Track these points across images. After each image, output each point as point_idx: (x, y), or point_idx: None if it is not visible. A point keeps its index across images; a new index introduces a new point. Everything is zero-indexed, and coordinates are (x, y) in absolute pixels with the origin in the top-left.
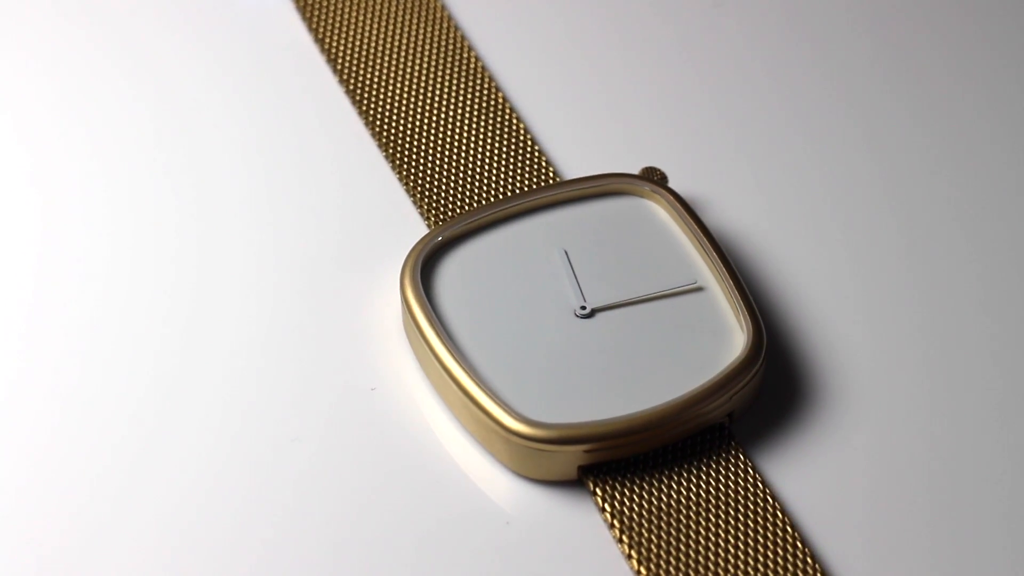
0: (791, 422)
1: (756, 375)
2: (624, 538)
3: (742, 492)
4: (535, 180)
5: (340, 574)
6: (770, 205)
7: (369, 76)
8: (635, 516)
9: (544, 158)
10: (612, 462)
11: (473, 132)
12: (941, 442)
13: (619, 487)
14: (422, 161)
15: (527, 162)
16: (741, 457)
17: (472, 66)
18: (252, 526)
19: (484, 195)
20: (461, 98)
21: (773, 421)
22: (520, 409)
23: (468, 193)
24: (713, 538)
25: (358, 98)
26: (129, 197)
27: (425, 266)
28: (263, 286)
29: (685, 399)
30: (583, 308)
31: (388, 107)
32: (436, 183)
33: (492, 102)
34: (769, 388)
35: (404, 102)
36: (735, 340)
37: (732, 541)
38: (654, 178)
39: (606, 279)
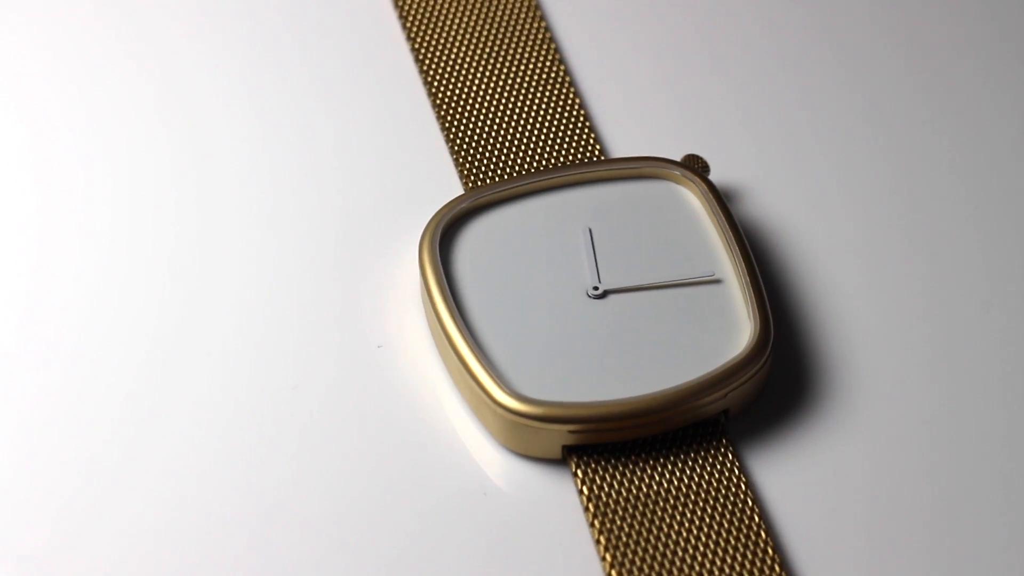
0: (790, 425)
1: (755, 375)
2: (596, 522)
3: (723, 491)
4: (579, 156)
5: (310, 523)
6: (812, 200)
7: (433, 32)
8: (611, 502)
9: (593, 135)
10: (597, 445)
11: (528, 101)
12: (940, 465)
13: (600, 471)
14: (471, 124)
15: (576, 138)
16: (730, 456)
17: (540, 36)
18: (255, 470)
19: (525, 165)
20: (522, 65)
21: (772, 421)
22: (514, 383)
23: (509, 161)
24: (684, 534)
25: (420, 56)
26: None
27: (449, 230)
28: (294, 233)
29: (676, 391)
30: (595, 288)
31: (447, 65)
32: (481, 148)
33: (553, 73)
34: (775, 387)
35: (464, 62)
36: (742, 336)
37: (703, 539)
38: (695, 166)
39: (625, 262)
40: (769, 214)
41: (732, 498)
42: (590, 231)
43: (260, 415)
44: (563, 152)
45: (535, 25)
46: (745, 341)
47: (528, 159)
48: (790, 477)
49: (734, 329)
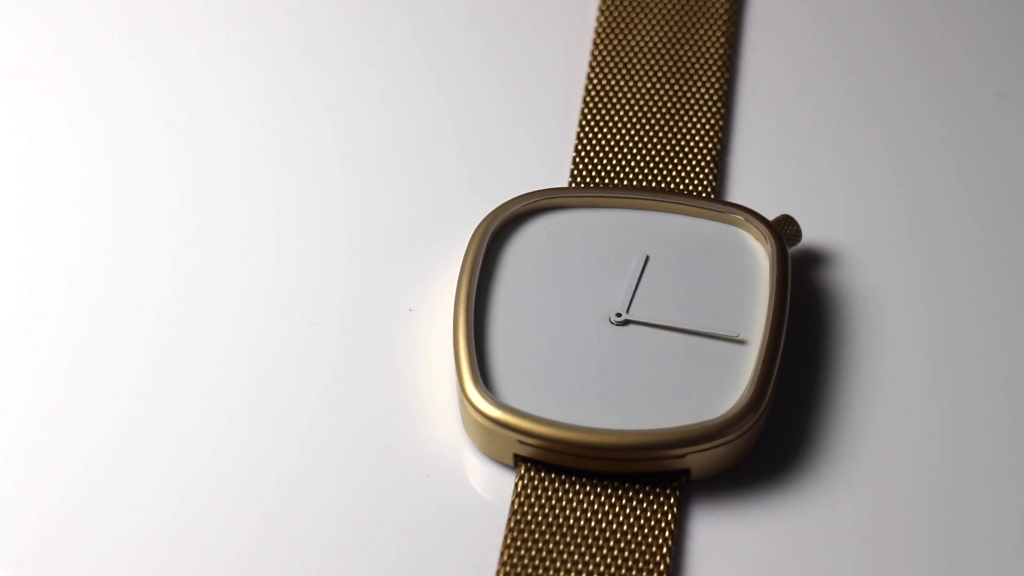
0: (757, 502)
1: (721, 445)
2: (509, 539)
3: (644, 550)
4: (687, 186)
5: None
6: (911, 276)
7: (620, 22)
8: (533, 522)
9: (713, 173)
10: (548, 464)
11: (673, 118)
12: None
13: (538, 489)
14: (608, 123)
15: (695, 169)
16: (668, 517)
17: (713, 56)
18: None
19: (631, 176)
20: (687, 81)
21: (738, 493)
22: (498, 382)
23: (619, 169)
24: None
25: (597, 39)
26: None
27: (515, 221)
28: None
29: (629, 438)
30: (618, 315)
31: (617, 54)
32: (602, 149)
33: (711, 100)
34: (763, 461)
35: (634, 58)
36: (731, 403)
37: None
38: (785, 229)
39: (662, 297)
40: (865, 284)
41: (649, 561)
42: (647, 258)
43: (276, 352)
44: (674, 177)
45: (718, 46)
46: (722, 409)
47: (640, 172)
48: (730, 559)
49: (730, 393)
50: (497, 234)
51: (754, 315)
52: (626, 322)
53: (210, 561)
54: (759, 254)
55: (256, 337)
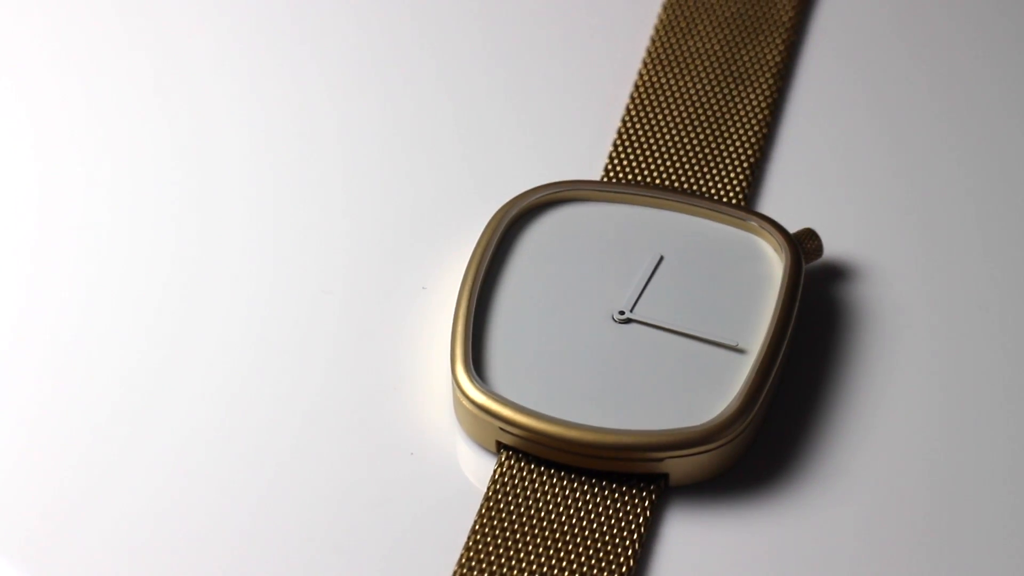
0: (732, 514)
1: (698, 454)
2: (478, 524)
3: (610, 551)
4: (717, 191)
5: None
6: (934, 294)
7: (681, 19)
8: (505, 510)
9: (746, 181)
10: (529, 454)
11: (714, 120)
12: None
13: (515, 478)
14: (649, 121)
15: (728, 175)
16: (640, 519)
17: (769, 64)
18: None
19: (663, 175)
20: (737, 86)
21: (716, 503)
22: (491, 368)
23: (653, 165)
24: (555, 573)
25: (657, 31)
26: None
27: (533, 210)
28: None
29: (606, 437)
30: (621, 313)
31: (672, 51)
32: (641, 146)
33: (759, 108)
34: (744, 471)
35: (688, 54)
36: (717, 411)
37: None
38: (805, 243)
39: (669, 298)
40: (887, 305)
41: (610, 559)
42: (661, 258)
43: (289, 321)
44: (707, 180)
45: (775, 53)
46: (708, 417)
47: (674, 172)
48: (700, 568)
49: (718, 402)
50: (516, 221)
51: (758, 325)
52: (628, 320)
53: (221, 527)
54: (774, 264)
55: (267, 308)
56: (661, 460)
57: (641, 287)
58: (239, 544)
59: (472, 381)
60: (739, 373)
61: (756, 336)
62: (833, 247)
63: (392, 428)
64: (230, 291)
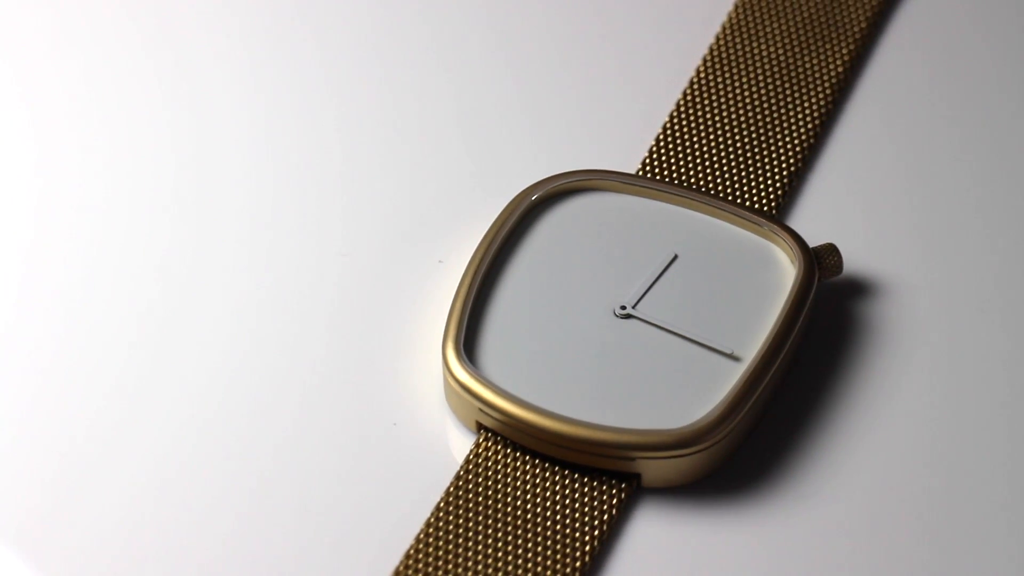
0: (703, 521)
1: (670, 458)
2: (443, 502)
3: (569, 543)
4: (748, 197)
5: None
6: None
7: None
8: (473, 491)
9: (782, 190)
10: (506, 438)
11: (763, 124)
12: None
13: (489, 460)
14: (696, 119)
15: (764, 182)
16: (605, 516)
17: (830, 74)
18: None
19: (698, 177)
20: (792, 93)
21: (688, 509)
22: (482, 349)
23: (691, 167)
24: (509, 558)
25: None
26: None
27: (555, 196)
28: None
29: (579, 430)
30: (623, 308)
31: (726, 60)
32: (683, 143)
33: (811, 120)
34: (723, 478)
35: (745, 63)
36: (696, 416)
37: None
38: (825, 258)
39: (673, 298)
40: (887, 315)
41: (567, 552)
42: (674, 256)
43: (297, 282)
44: (743, 184)
45: (837, 63)
46: (687, 421)
47: (711, 173)
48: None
49: (701, 408)
50: (537, 205)
51: (758, 334)
52: (629, 316)
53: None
54: (786, 274)
55: (281, 270)
56: (633, 460)
57: (649, 284)
58: (227, 513)
59: (459, 359)
60: (728, 381)
61: (754, 345)
62: (856, 265)
63: (381, 397)
64: (233, 257)
